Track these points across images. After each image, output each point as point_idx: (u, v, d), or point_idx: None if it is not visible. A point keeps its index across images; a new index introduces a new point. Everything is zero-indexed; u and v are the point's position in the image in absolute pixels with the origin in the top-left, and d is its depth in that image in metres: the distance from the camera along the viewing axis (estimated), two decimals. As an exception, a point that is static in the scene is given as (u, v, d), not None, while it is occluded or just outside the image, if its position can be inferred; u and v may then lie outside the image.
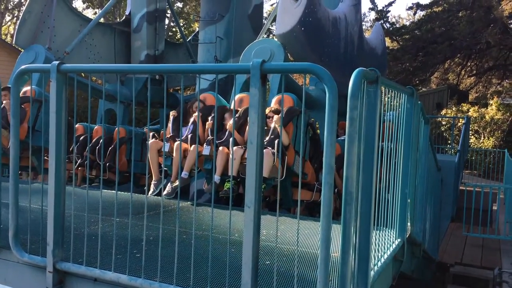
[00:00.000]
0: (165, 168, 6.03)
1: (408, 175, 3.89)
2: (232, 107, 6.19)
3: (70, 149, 8.06)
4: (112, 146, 7.97)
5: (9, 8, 30.45)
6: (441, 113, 19.49)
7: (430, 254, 6.17)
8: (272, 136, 5.54)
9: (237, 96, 6.27)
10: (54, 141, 3.03)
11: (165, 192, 5.73)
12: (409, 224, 4.00)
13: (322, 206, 2.32)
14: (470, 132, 17.14)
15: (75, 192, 4.36)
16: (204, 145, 5.69)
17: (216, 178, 5.44)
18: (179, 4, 28.11)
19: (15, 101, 3.30)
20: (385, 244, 3.46)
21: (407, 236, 3.98)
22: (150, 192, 5.89)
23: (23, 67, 3.31)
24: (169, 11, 13.43)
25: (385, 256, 3.36)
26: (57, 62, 3.04)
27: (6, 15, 30.73)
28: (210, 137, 5.73)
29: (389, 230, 3.62)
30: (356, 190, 2.51)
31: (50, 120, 3.04)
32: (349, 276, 2.40)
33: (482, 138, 17.68)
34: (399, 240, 3.84)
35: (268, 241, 3.78)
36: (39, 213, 3.26)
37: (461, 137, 12.94)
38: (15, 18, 29.40)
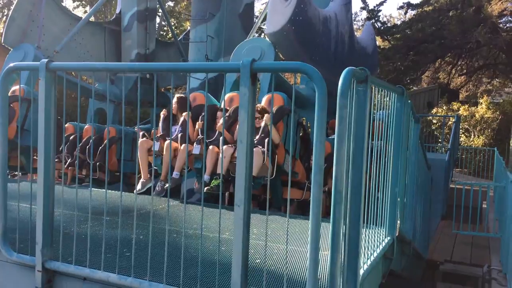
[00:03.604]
0: (155, 167, 6.01)
1: (398, 174, 3.91)
2: (222, 106, 6.19)
3: (60, 148, 8.03)
4: (103, 145, 7.95)
5: (-1, 6, 30.17)
6: (432, 112, 19.60)
7: (420, 252, 6.20)
8: (262, 135, 5.54)
9: (228, 95, 6.26)
10: (43, 140, 3.01)
11: (154, 192, 5.71)
12: (398, 222, 4.02)
13: (311, 205, 2.32)
14: (461, 130, 17.26)
15: (65, 191, 4.34)
16: (194, 144, 5.68)
17: (206, 177, 5.43)
18: (171, 3, 28.00)
19: (3, 100, 3.27)
20: (375, 242, 3.48)
21: (397, 234, 4.00)
22: (137, 188, 5.85)
23: (11, 65, 3.29)
24: (160, 10, 13.36)
25: (375, 254, 3.37)
26: (46, 60, 3.01)
27: (-4, 14, 30.44)
28: (200, 136, 5.72)
29: (379, 229, 3.63)
30: (346, 188, 2.52)
31: (39, 119, 3.02)
32: (338, 274, 2.41)
33: (472, 136, 17.81)
34: (389, 238, 3.86)
35: (259, 239, 3.79)
36: (28, 212, 3.24)
37: (451, 136, 13.02)
38: (4, 17, 29.13)
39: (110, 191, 5.29)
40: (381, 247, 3.60)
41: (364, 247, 3.08)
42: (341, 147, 2.38)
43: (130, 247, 3.16)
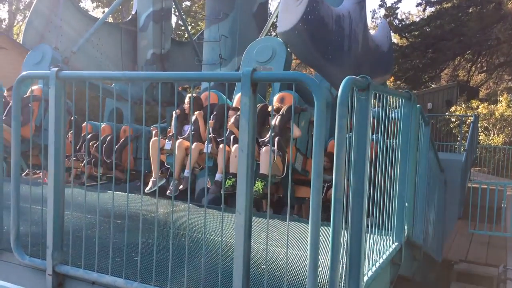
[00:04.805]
0: (167, 166, 6.08)
1: (406, 178, 3.88)
2: (234, 105, 6.24)
3: (77, 147, 8.19)
4: (118, 144, 8.09)
5: (21, 8, 30.77)
6: (451, 110, 19.34)
7: (432, 255, 6.13)
8: (272, 134, 5.56)
9: (239, 94, 6.29)
10: (53, 147, 3.07)
11: (168, 192, 5.78)
12: (406, 227, 3.99)
13: (311, 213, 2.33)
14: (480, 129, 17.01)
15: (77, 193, 4.41)
16: (206, 143, 5.73)
17: (218, 176, 5.48)
18: (187, 3, 28.18)
19: (17, 106, 3.34)
20: (381, 248, 3.46)
21: (406, 239, 3.98)
22: (147, 188, 5.93)
23: (23, 73, 3.37)
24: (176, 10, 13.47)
25: (380, 261, 3.35)
26: (56, 68, 3.07)
27: (18, 15, 31.07)
28: (211, 135, 5.77)
29: (386, 234, 3.61)
30: (348, 196, 2.53)
31: (49, 126, 3.09)
32: (338, 280, 2.42)
33: (492, 135, 17.52)
34: (396, 243, 3.83)
35: (265, 244, 3.76)
36: (40, 215, 3.30)
37: (469, 136, 12.80)
38: (26, 18, 29.65)
39: (120, 193, 5.32)
40: (387, 253, 3.58)
41: (370, 252, 3.07)
42: (341, 156, 2.38)
43: (139, 251, 3.22)
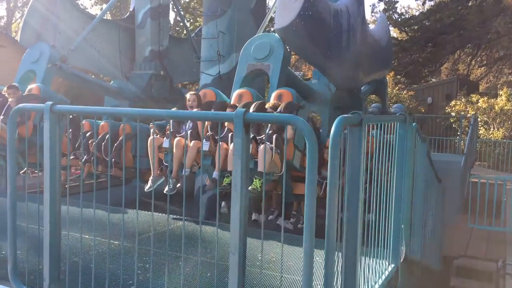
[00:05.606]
0: (166, 164, 6.07)
1: (402, 200, 3.87)
2: (232, 102, 6.22)
3: (76, 145, 8.16)
4: (117, 142, 8.05)
5: (19, 5, 30.73)
6: (451, 104, 19.32)
7: (431, 266, 6.11)
8: (269, 132, 5.54)
9: (237, 92, 6.27)
10: (48, 180, 3.04)
11: (166, 189, 5.76)
12: (403, 248, 3.95)
13: (304, 254, 2.32)
14: (480, 123, 16.98)
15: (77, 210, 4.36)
16: (203, 140, 5.71)
17: (215, 174, 5.47)
18: (186, -1, 28.09)
19: (11, 137, 3.29)
20: (377, 271, 3.44)
21: (402, 260, 3.96)
22: (147, 187, 5.91)
23: (20, 105, 3.36)
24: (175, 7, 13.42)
25: (376, 286, 3.34)
26: (50, 103, 3.08)
27: (16, 12, 31.03)
28: (209, 132, 5.76)
29: (382, 257, 3.59)
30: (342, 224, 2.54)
31: (44, 159, 3.06)
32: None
33: (492, 129, 17.50)
34: (393, 265, 3.83)
35: (262, 267, 3.68)
36: (37, 235, 3.24)
37: (468, 139, 12.68)
38: (24, 16, 29.58)
39: (117, 208, 5.19)
40: (383, 277, 3.56)
41: (366, 272, 3.06)
42: (334, 196, 2.39)
43: (140, 276, 3.18)
